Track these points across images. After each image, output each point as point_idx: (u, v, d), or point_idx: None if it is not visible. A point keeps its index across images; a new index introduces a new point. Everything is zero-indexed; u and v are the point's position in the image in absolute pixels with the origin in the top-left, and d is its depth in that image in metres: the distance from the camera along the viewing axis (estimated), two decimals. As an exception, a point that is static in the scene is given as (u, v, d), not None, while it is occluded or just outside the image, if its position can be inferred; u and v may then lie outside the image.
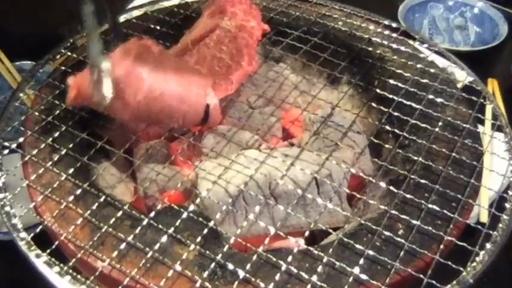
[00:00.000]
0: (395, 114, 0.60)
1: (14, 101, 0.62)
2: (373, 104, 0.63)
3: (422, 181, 0.53)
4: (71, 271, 0.45)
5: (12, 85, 0.87)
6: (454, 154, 0.56)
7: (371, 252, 0.47)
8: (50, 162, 0.54)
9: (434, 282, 0.44)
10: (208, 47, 0.62)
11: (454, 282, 0.45)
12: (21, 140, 0.57)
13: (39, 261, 0.46)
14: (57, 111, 0.60)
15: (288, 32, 0.72)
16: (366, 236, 0.49)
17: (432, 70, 0.67)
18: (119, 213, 0.50)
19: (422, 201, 0.51)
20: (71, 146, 0.56)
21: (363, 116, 0.64)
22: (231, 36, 0.61)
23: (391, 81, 0.65)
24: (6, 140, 0.57)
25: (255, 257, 0.46)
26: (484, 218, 0.66)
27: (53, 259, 0.46)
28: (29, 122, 0.60)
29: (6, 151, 0.56)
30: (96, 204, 0.50)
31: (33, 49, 0.78)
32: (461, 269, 0.46)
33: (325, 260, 0.46)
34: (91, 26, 0.46)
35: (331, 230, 0.50)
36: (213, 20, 0.63)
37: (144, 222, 0.49)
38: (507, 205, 0.52)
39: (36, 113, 0.60)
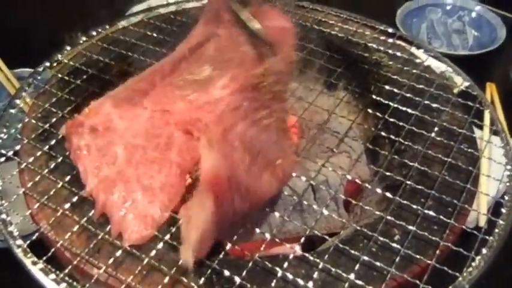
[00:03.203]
0: (391, 120, 0.60)
1: (11, 108, 0.63)
2: (369, 110, 0.63)
3: (419, 187, 0.53)
4: (67, 278, 0.45)
5: (11, 92, 0.88)
6: (450, 159, 0.56)
7: (367, 258, 0.47)
8: (47, 170, 0.55)
9: (430, 287, 0.44)
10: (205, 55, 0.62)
11: (450, 287, 0.45)
12: (17, 147, 0.58)
13: (36, 268, 0.46)
14: (54, 119, 0.60)
15: (284, 38, 0.72)
16: (362, 242, 0.49)
17: (428, 75, 0.67)
18: (115, 220, 0.50)
19: (419, 207, 0.51)
20: (67, 153, 0.56)
21: (359, 122, 0.64)
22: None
23: (387, 87, 0.65)
24: (4, 148, 0.57)
25: (251, 264, 0.47)
26: (483, 222, 0.66)
27: (49, 266, 0.46)
28: (25, 130, 0.60)
29: (2, 159, 0.56)
30: (93, 211, 0.51)
31: (33, 56, 0.78)
32: (457, 274, 0.46)
33: (321, 266, 0.46)
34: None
35: (326, 237, 0.50)
36: (209, 28, 0.64)
37: (140, 229, 0.49)
38: (503, 210, 0.52)
39: (33, 121, 0.61)
